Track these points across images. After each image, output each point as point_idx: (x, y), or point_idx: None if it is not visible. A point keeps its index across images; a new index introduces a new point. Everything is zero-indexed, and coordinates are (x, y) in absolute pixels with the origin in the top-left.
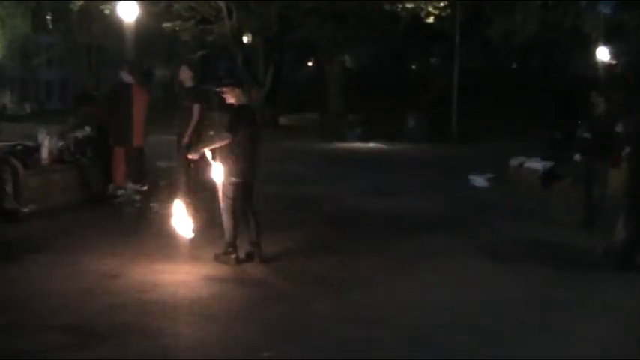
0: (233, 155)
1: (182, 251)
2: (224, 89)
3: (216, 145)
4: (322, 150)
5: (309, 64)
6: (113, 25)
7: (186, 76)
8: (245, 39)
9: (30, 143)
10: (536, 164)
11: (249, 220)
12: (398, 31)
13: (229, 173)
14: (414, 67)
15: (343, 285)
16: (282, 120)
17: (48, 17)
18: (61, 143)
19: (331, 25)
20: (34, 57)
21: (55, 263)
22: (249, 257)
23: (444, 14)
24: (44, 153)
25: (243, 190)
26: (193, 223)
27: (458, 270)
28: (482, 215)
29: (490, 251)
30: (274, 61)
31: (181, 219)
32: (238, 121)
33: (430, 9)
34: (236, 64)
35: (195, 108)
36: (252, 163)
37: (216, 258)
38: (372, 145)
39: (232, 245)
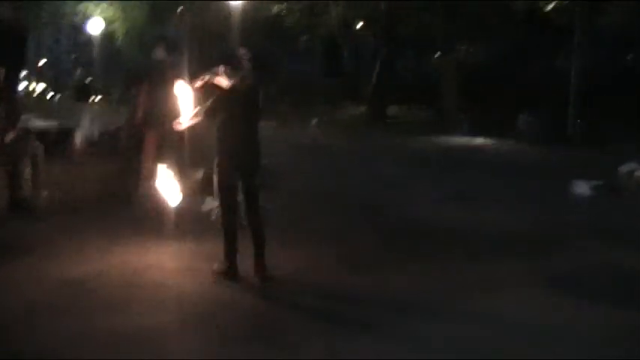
0: (218, 140)
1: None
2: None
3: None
4: (422, 146)
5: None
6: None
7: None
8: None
9: (70, 127)
10: None
11: (250, 221)
12: (512, 27)
13: (215, 163)
14: (530, 64)
15: (347, 324)
16: (391, 114)
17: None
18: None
19: (440, 21)
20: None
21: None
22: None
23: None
24: (78, 137)
25: (231, 186)
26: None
27: (516, 310)
28: (574, 234)
29: (569, 285)
30: (383, 55)
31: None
32: (221, 103)
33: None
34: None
35: None
36: (244, 153)
37: (213, 272)
38: (478, 141)
39: (227, 255)
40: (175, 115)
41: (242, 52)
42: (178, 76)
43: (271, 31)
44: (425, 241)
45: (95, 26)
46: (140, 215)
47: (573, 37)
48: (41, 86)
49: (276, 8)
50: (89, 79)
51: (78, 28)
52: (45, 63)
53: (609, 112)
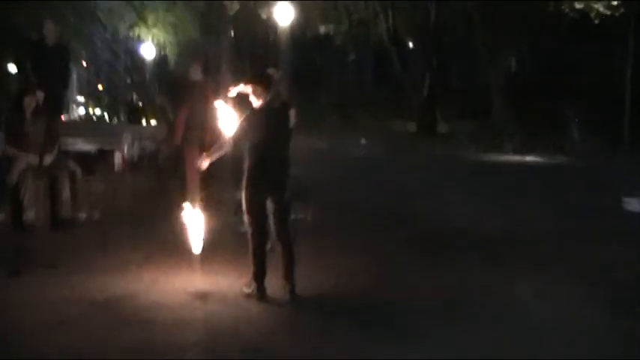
0: (247, 164)
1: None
2: (250, 86)
3: (221, 153)
4: (468, 163)
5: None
6: (270, 28)
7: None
8: (410, 43)
9: (108, 147)
10: None
11: (278, 246)
12: (562, 33)
13: (245, 185)
14: (582, 72)
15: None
16: (442, 128)
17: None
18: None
19: (482, 29)
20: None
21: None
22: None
23: (617, 14)
24: (117, 158)
25: (258, 205)
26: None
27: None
28: (615, 253)
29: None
30: (433, 66)
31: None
32: (250, 125)
33: (601, 8)
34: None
35: None
36: (273, 173)
37: (244, 291)
38: (528, 158)
39: (255, 277)
40: (213, 134)
41: (273, 71)
42: (215, 95)
43: (321, 48)
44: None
45: (148, 50)
46: (175, 235)
47: (626, 42)
48: (99, 110)
49: (323, 29)
50: (140, 102)
51: (132, 53)
52: (103, 88)
53: None
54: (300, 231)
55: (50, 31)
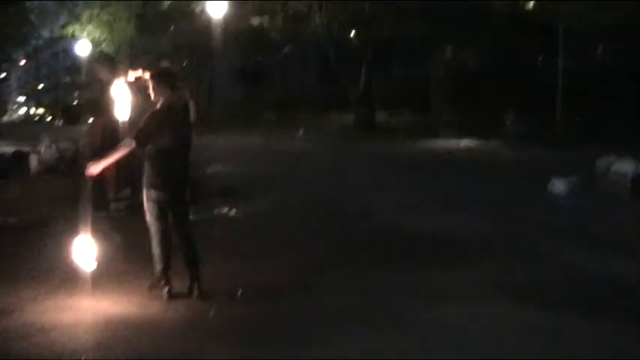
0: (149, 165)
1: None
2: (150, 81)
3: (116, 157)
4: (407, 151)
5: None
6: (204, 23)
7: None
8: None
9: (25, 150)
10: (626, 166)
11: (182, 246)
12: (495, 28)
13: (147, 185)
14: (516, 66)
15: (277, 342)
16: (380, 120)
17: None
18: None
19: (414, 24)
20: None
21: None
22: (190, 291)
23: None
24: (33, 162)
25: (167, 206)
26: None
27: (458, 322)
28: (540, 236)
29: (527, 294)
30: (368, 59)
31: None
32: (153, 125)
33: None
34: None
35: None
36: (176, 174)
37: (149, 289)
38: (465, 143)
39: (163, 276)
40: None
41: (169, 65)
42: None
43: (257, 42)
44: (383, 250)
45: (83, 48)
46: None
47: (558, 36)
48: (40, 110)
49: (257, 21)
50: (76, 101)
51: (69, 52)
52: (43, 87)
53: (596, 110)
54: (223, 229)
55: None
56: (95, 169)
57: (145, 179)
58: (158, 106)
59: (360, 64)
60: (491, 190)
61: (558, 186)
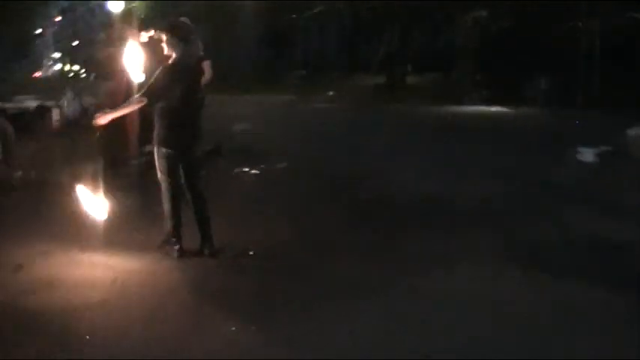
0: (160, 121)
1: (115, 237)
2: (163, 35)
3: (126, 110)
4: (432, 115)
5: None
6: None
7: None
8: None
9: (49, 104)
10: None
11: (193, 203)
12: None
13: (157, 142)
14: (547, 28)
15: (280, 310)
16: (410, 83)
17: None
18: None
19: None
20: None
21: None
22: (201, 249)
23: None
24: (55, 116)
25: (177, 163)
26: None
27: (458, 286)
28: (561, 203)
29: (533, 261)
30: (399, 22)
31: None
32: (164, 82)
33: None
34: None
35: None
36: (186, 131)
37: (160, 247)
38: (494, 109)
39: (174, 234)
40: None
41: (187, 21)
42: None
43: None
44: (395, 214)
45: (115, 5)
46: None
47: None
48: (75, 67)
49: None
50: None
51: (102, 7)
52: (77, 43)
53: (625, 75)
54: (241, 187)
55: None
56: (103, 119)
57: (155, 136)
58: (170, 61)
59: (390, 26)
60: (515, 156)
61: (586, 154)
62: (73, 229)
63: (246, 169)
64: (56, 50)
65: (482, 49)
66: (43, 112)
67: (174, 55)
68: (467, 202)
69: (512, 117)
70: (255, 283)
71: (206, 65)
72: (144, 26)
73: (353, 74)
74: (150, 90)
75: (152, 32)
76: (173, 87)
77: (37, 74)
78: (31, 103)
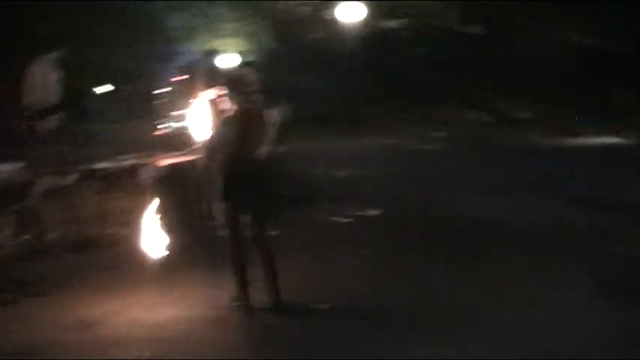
0: (217, 174)
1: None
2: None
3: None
4: (539, 151)
5: None
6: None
7: None
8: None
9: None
10: None
11: (258, 257)
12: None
13: (216, 195)
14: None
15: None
16: (522, 114)
17: None
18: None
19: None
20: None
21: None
22: (270, 300)
23: None
24: (147, 172)
25: (237, 216)
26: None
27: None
28: None
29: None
30: (500, 51)
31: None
32: (221, 134)
33: None
34: None
35: None
36: (246, 183)
37: (230, 302)
38: (611, 140)
39: (238, 288)
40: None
41: (248, 71)
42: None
43: (387, 43)
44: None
45: (228, 60)
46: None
47: None
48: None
49: (390, 24)
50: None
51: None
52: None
53: None
54: (319, 236)
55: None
56: (162, 161)
57: (216, 188)
58: (228, 114)
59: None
60: None
61: None
62: (146, 286)
63: (337, 217)
64: (176, 108)
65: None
66: (135, 170)
67: (231, 107)
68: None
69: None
70: (318, 343)
71: (271, 115)
72: None
73: (462, 109)
74: (210, 140)
75: (215, 89)
76: (228, 139)
77: (158, 132)
78: (127, 162)
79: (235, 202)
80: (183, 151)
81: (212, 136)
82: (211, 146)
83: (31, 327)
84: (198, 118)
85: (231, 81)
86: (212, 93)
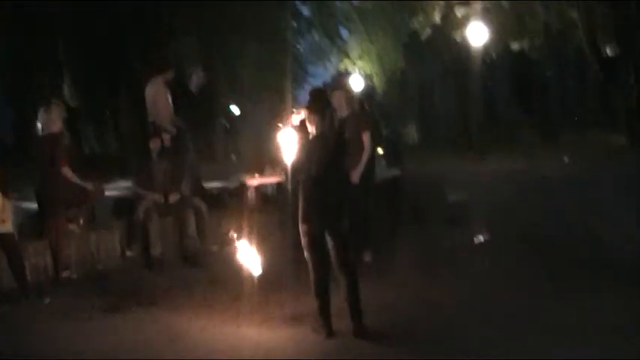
0: (300, 195)
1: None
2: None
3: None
4: None
5: None
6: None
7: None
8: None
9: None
10: None
11: (341, 279)
12: None
13: (299, 217)
14: None
15: None
16: None
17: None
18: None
19: None
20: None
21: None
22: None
23: None
24: (251, 193)
25: (317, 239)
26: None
27: None
28: None
29: None
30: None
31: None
32: (302, 155)
33: None
34: None
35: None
36: (325, 206)
37: (313, 328)
38: None
39: (320, 311)
40: None
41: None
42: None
43: (515, 64)
44: None
45: (355, 82)
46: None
47: None
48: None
49: (517, 45)
50: None
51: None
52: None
53: None
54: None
55: (200, 78)
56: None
57: (299, 211)
58: (308, 136)
59: (626, 76)
60: None
61: None
62: (239, 303)
63: (438, 241)
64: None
65: None
66: (242, 190)
67: (311, 130)
68: None
69: None
70: None
71: (364, 137)
72: None
73: (592, 129)
74: (293, 164)
75: (302, 114)
76: (309, 160)
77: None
78: (235, 183)
79: (316, 224)
80: (273, 173)
81: (296, 158)
82: (295, 168)
83: (140, 332)
84: (288, 139)
85: (311, 103)
86: (301, 115)
